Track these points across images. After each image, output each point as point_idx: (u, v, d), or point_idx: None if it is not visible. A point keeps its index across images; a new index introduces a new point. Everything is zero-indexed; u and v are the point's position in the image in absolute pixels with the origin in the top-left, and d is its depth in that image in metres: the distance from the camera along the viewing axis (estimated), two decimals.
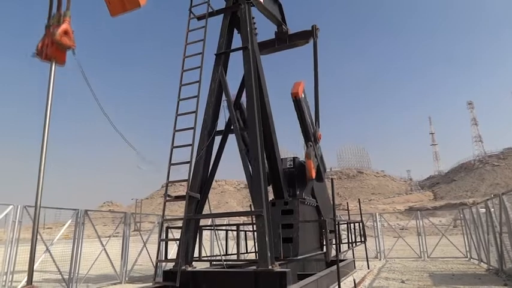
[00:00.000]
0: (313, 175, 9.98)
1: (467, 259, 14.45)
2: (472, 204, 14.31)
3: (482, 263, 12.24)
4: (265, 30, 11.36)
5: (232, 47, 9.30)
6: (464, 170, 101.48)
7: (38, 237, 5.15)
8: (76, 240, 9.76)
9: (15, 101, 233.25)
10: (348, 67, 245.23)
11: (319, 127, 11.07)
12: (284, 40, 12.21)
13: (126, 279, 11.06)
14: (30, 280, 4.50)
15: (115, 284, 10.62)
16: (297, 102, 9.89)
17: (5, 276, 7.84)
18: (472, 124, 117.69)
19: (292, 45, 12.34)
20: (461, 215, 15.75)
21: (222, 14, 9.37)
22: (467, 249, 14.81)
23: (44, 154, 4.48)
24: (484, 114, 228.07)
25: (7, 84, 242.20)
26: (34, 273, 4.64)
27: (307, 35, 12.13)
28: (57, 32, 4.46)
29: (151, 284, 7.42)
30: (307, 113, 10.54)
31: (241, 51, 8.78)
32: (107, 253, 10.81)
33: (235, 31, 9.54)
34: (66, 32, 4.54)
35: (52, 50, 4.51)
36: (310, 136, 10.44)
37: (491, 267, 10.72)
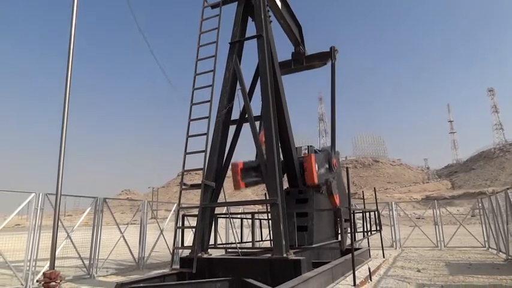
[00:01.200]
0: (338, 204, 9.98)
1: (485, 249, 14.23)
2: (492, 194, 14.03)
3: (500, 253, 12.03)
4: (281, 51, 11.16)
5: (247, 36, 9.24)
6: (483, 158, 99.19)
7: (59, 224, 5.31)
8: (95, 227, 10.02)
9: (35, 93, 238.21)
10: (363, 53, 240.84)
11: (334, 153, 10.95)
12: (301, 61, 12.02)
13: (144, 265, 11.33)
14: (52, 265, 4.66)
15: (133, 269, 10.90)
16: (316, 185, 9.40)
17: (28, 262, 8.14)
18: (492, 111, 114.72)
19: (309, 66, 12.14)
20: (480, 204, 15.45)
21: (236, 2, 9.28)
22: (486, 239, 14.56)
23: (63, 145, 4.60)
24: (505, 101, 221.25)
25: (26, 76, 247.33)
26: (56, 258, 4.80)
27: (325, 57, 11.90)
28: None
29: (168, 270, 7.58)
30: (323, 174, 10.13)
31: (256, 39, 8.72)
32: (125, 240, 11.07)
33: (250, 19, 9.45)
34: None
35: None
36: (328, 178, 10.02)
37: (510, 257, 10.53)
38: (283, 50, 12.34)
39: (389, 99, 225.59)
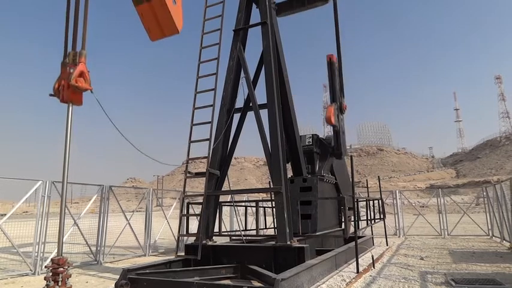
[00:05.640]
0: (333, 121, 10.27)
1: (489, 237, 14.25)
2: (497, 182, 13.96)
3: (504, 241, 12.05)
4: None
5: (251, 23, 9.15)
6: (489, 147, 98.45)
7: (66, 211, 5.38)
8: (102, 215, 10.14)
9: (40, 83, 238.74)
10: (369, 41, 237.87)
11: (344, 97, 10.95)
12: (302, 1, 11.34)
13: (150, 252, 11.48)
14: (60, 251, 4.73)
15: (139, 256, 11.06)
16: (331, 65, 10.61)
17: (37, 248, 8.28)
18: (499, 99, 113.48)
19: (310, 6, 11.42)
20: (484, 193, 15.42)
21: None
22: (490, 228, 14.58)
23: (69, 134, 4.62)
24: None
25: (32, 66, 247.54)
26: (63, 245, 4.88)
27: None
28: (72, 75, 4.30)
29: (173, 256, 7.69)
30: (337, 78, 10.96)
31: (260, 26, 8.64)
32: (131, 227, 11.20)
33: (254, 6, 9.35)
34: (81, 74, 4.39)
35: (68, 93, 4.39)
36: (337, 100, 10.68)
37: None
38: None
39: (395, 88, 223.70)
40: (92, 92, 4.55)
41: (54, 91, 4.51)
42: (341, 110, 10.59)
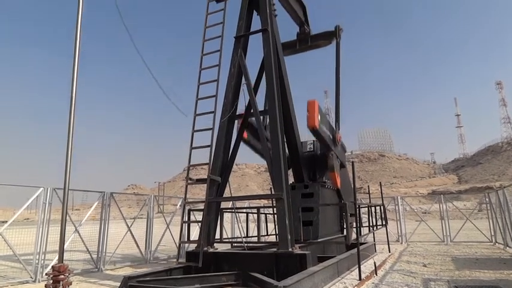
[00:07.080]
0: (339, 185, 10.08)
1: (492, 243, 14.16)
2: (499, 188, 13.91)
3: (507, 248, 11.97)
4: (285, 32, 11.15)
5: (252, 30, 9.20)
6: (491, 152, 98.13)
7: (67, 218, 5.37)
8: (103, 222, 10.12)
9: (40, 88, 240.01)
10: (371, 46, 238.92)
11: (339, 129, 10.93)
12: (306, 41, 12.11)
13: (151, 259, 11.43)
14: (61, 259, 4.73)
15: (140, 263, 11.01)
16: (315, 132, 9.17)
17: (37, 255, 8.25)
18: (500, 105, 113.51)
19: (314, 46, 12.22)
20: (487, 199, 15.35)
21: None
22: (493, 234, 14.48)
23: (70, 141, 4.64)
24: None
25: (33, 72, 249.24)
26: (64, 252, 4.87)
27: (330, 36, 12.00)
28: None
29: (174, 263, 7.66)
30: (326, 133, 9.78)
31: (261, 33, 8.69)
32: (132, 234, 11.16)
33: (255, 13, 9.41)
34: None
35: None
36: (330, 146, 9.96)
37: None
38: (287, 28, 12.28)
39: (396, 93, 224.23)
40: None
41: None
42: (335, 142, 10.53)
